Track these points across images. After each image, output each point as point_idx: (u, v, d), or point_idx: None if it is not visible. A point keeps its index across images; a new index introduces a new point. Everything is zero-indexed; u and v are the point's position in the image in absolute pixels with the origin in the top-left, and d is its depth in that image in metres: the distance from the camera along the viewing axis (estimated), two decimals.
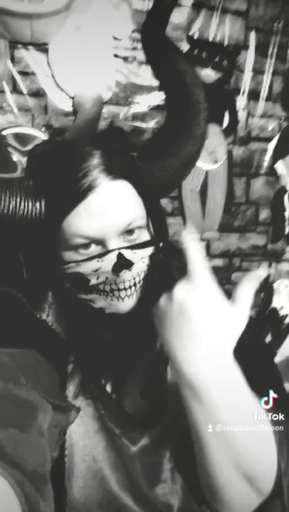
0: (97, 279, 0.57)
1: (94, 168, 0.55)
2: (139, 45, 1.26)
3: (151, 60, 0.67)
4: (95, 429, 0.61)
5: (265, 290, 1.64)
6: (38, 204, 0.55)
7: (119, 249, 0.56)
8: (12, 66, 1.20)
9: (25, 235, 0.59)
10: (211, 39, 1.40)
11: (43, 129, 1.25)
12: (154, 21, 0.65)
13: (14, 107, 1.22)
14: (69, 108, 1.26)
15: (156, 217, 0.62)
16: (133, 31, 1.28)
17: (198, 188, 1.47)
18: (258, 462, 0.50)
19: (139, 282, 0.59)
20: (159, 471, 0.62)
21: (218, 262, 1.57)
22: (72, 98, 1.25)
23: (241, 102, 1.49)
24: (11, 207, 0.54)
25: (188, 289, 0.49)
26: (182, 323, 0.49)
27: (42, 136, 1.23)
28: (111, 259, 0.56)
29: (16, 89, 1.22)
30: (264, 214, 1.62)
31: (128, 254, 0.57)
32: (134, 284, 0.59)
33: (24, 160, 1.19)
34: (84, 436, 0.61)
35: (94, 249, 0.56)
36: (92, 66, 1.25)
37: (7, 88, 1.20)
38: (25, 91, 1.22)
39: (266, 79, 1.50)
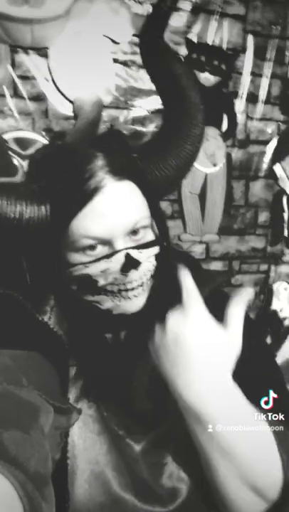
0: (106, 279, 0.57)
1: (99, 170, 0.55)
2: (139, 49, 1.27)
3: (148, 64, 0.68)
4: (98, 431, 0.62)
5: (265, 292, 1.65)
6: (43, 208, 0.56)
7: (126, 249, 0.56)
8: (12, 70, 1.20)
9: (29, 238, 0.59)
10: (209, 43, 1.41)
11: (44, 132, 1.25)
12: (152, 26, 0.66)
13: (15, 111, 1.22)
14: (69, 112, 1.27)
15: (158, 217, 0.63)
16: (132, 35, 1.29)
17: (198, 191, 1.48)
18: (265, 475, 0.52)
19: (146, 282, 0.60)
20: (165, 467, 0.63)
21: (218, 265, 1.58)
22: (73, 102, 1.25)
23: (240, 105, 1.50)
24: (17, 211, 0.55)
25: (182, 320, 0.51)
26: (178, 354, 0.51)
27: (42, 140, 1.24)
28: (119, 259, 0.56)
29: (16, 94, 1.23)
30: (263, 216, 1.62)
31: (135, 254, 0.57)
32: (142, 284, 0.59)
33: (25, 164, 1.20)
34: (86, 439, 0.61)
35: (101, 250, 0.57)
36: (92, 70, 1.26)
37: (7, 92, 1.21)
38: (25, 95, 1.23)
39: (265, 82, 1.51)
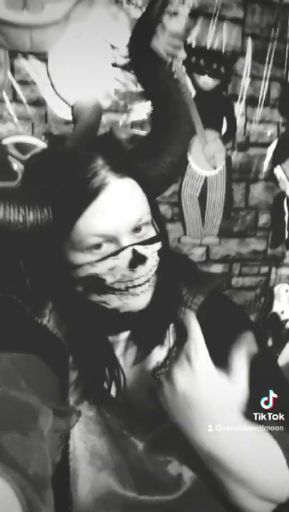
0: (113, 277, 0.58)
1: (101, 168, 0.56)
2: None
3: (136, 68, 0.69)
4: (99, 433, 0.62)
5: (266, 295, 1.64)
6: (46, 211, 0.56)
7: (132, 245, 0.57)
8: (12, 76, 1.21)
9: (29, 242, 0.60)
10: (208, 46, 1.41)
11: (43, 137, 1.26)
12: (141, 31, 0.67)
13: (14, 116, 1.23)
14: (69, 116, 1.27)
15: (156, 213, 0.64)
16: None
17: (198, 193, 1.48)
18: (278, 489, 0.56)
19: (151, 277, 0.61)
20: (169, 464, 0.63)
21: (218, 267, 1.58)
22: (72, 106, 1.26)
23: (239, 108, 1.50)
24: (20, 216, 0.55)
25: (191, 378, 0.52)
26: (188, 408, 0.52)
27: (42, 144, 1.24)
28: (126, 256, 0.57)
29: (16, 99, 1.23)
30: (264, 219, 1.62)
31: (141, 249, 0.58)
32: (148, 280, 0.60)
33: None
34: (87, 441, 0.61)
35: (107, 248, 0.57)
36: (92, 74, 1.27)
37: (7, 97, 1.22)
38: (25, 100, 1.23)
39: (264, 85, 1.51)
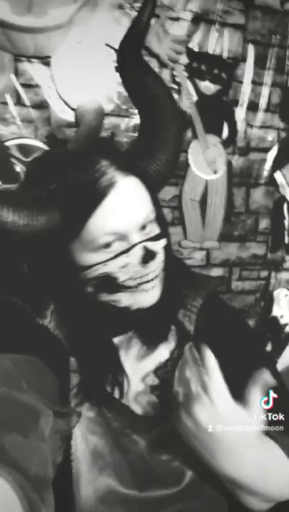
0: (126, 274, 0.59)
1: (108, 168, 0.57)
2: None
3: (123, 75, 0.70)
4: (100, 433, 0.62)
5: (266, 299, 1.65)
6: (55, 212, 0.57)
7: (141, 242, 0.59)
8: (16, 79, 1.22)
9: (35, 244, 0.60)
10: (210, 52, 1.42)
11: (46, 140, 1.27)
12: (130, 39, 0.68)
13: (17, 119, 1.24)
14: (72, 119, 1.28)
15: (159, 211, 0.65)
16: None
17: (199, 197, 1.49)
18: (282, 493, 0.58)
19: (159, 273, 0.62)
20: (171, 461, 0.64)
21: (218, 271, 1.58)
22: (75, 110, 1.27)
23: (240, 113, 1.51)
24: (30, 222, 0.56)
25: (212, 415, 0.53)
26: (210, 441, 0.53)
27: (44, 147, 1.25)
28: (137, 252, 0.58)
29: (19, 101, 1.24)
30: (264, 223, 1.63)
31: (151, 245, 0.59)
32: (157, 276, 0.61)
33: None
34: (89, 441, 0.61)
35: (117, 246, 0.58)
36: (94, 78, 1.28)
37: (10, 100, 1.22)
38: (28, 103, 1.24)
39: (265, 90, 1.52)
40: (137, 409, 0.65)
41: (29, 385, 0.54)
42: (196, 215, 1.50)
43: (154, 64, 1.36)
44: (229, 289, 1.60)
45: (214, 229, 1.53)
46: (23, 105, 1.24)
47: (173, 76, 1.39)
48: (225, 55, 1.44)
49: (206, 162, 1.46)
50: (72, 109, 1.27)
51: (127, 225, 0.57)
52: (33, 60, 1.23)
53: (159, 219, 0.64)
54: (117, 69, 0.70)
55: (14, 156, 1.22)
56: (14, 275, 0.67)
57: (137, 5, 1.29)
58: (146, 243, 0.59)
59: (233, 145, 1.52)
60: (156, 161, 0.65)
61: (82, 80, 1.26)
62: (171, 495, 0.62)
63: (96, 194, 0.56)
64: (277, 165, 1.59)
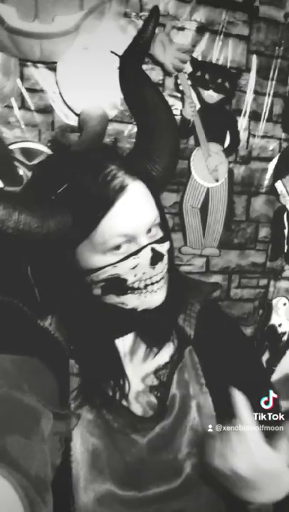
0: (135, 276, 0.60)
1: (118, 171, 0.58)
2: (144, 66, 1.29)
3: (122, 86, 0.72)
4: (99, 435, 0.62)
5: (264, 307, 1.65)
6: (68, 217, 0.57)
7: (149, 244, 0.60)
8: (21, 83, 1.23)
9: (40, 248, 0.60)
10: (214, 61, 1.44)
11: (49, 144, 1.27)
12: (132, 53, 0.70)
13: (22, 123, 1.25)
14: (75, 124, 1.29)
15: (162, 215, 0.66)
16: None
17: (199, 205, 1.50)
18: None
19: (165, 275, 0.63)
20: (171, 460, 0.64)
21: (218, 278, 1.58)
22: (79, 115, 1.28)
23: (243, 122, 1.52)
24: (41, 225, 0.56)
25: (249, 461, 0.55)
26: (238, 481, 0.56)
27: (48, 151, 1.26)
28: (145, 254, 0.59)
29: (24, 106, 1.25)
30: (264, 232, 1.64)
31: (158, 247, 0.61)
32: (163, 277, 0.62)
33: (30, 174, 1.22)
34: (88, 443, 0.61)
35: (126, 248, 0.59)
36: (99, 84, 1.29)
37: (15, 104, 1.23)
38: (32, 107, 1.25)
39: (267, 100, 1.54)
40: (137, 410, 0.65)
41: (30, 386, 0.54)
42: (196, 222, 1.50)
43: (158, 72, 1.38)
44: (228, 296, 1.60)
45: (214, 236, 1.54)
46: (28, 109, 1.25)
47: (177, 84, 1.40)
48: (228, 65, 1.46)
49: (207, 170, 1.47)
50: (77, 114, 1.28)
51: (136, 228, 0.58)
52: (38, 65, 1.24)
53: (162, 223, 0.65)
54: (119, 76, 0.71)
55: (18, 160, 1.22)
56: (15, 277, 0.67)
57: (143, 14, 1.31)
58: (154, 245, 0.60)
59: (235, 154, 1.53)
60: (156, 165, 0.66)
61: (86, 85, 1.27)
62: (171, 494, 0.62)
63: (108, 197, 0.57)
64: (278, 174, 1.60)
